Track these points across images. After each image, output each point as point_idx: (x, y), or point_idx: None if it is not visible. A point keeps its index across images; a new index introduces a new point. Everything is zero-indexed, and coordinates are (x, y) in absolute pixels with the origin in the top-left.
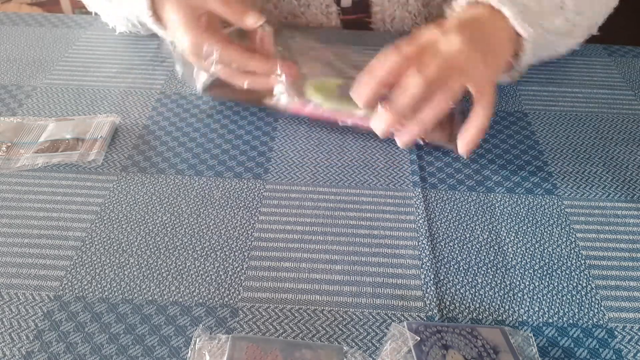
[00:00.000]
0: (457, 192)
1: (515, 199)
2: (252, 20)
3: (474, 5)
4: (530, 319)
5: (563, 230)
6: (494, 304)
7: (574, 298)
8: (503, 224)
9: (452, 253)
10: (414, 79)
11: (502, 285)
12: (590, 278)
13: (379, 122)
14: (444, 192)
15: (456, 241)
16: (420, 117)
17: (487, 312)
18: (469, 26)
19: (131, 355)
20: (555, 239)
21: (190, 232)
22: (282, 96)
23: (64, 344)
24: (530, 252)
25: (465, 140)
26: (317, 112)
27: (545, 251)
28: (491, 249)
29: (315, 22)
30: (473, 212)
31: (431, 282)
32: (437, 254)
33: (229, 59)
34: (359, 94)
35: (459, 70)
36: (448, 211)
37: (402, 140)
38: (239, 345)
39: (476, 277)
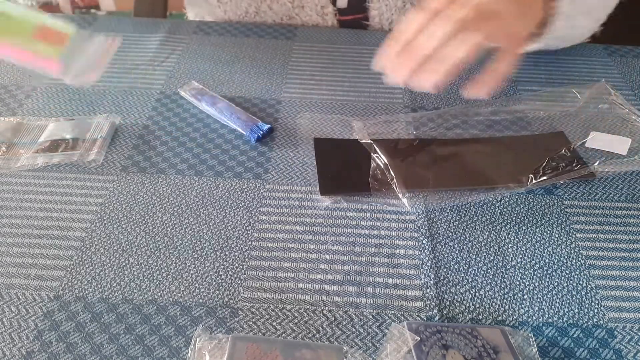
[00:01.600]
0: (457, 192)
1: (515, 199)
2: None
3: None
4: (530, 319)
5: (563, 230)
6: (494, 304)
7: (574, 298)
8: (503, 224)
9: (452, 253)
10: (440, 21)
11: (502, 285)
12: (590, 278)
13: (400, 69)
14: (444, 192)
15: (456, 241)
16: (445, 54)
17: (487, 312)
18: None
19: (131, 355)
20: (555, 239)
21: (190, 232)
22: None
23: (64, 344)
24: (530, 252)
25: (481, 82)
26: None
27: (545, 251)
28: (491, 249)
29: (310, 22)
30: (473, 212)
31: (431, 282)
32: (437, 254)
33: None
34: (384, 62)
35: (491, 15)
36: (448, 211)
37: (425, 83)
38: (239, 345)
39: (476, 277)
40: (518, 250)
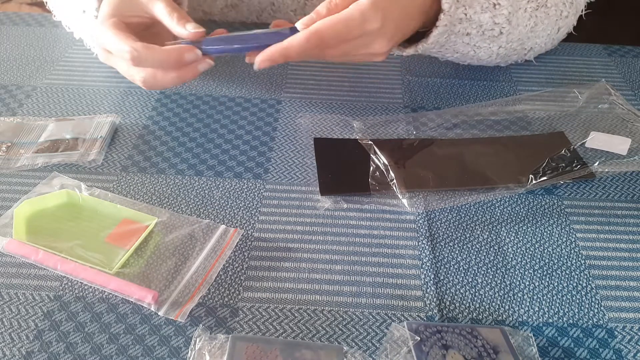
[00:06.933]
0: (457, 192)
1: (515, 199)
2: (191, 27)
3: None
4: (530, 319)
5: (563, 230)
6: (494, 304)
7: (574, 298)
8: (503, 224)
9: (452, 253)
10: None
11: (502, 285)
12: (590, 278)
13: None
14: (444, 192)
15: (456, 241)
16: None
17: (487, 312)
18: None
19: (131, 355)
20: (555, 239)
21: None
22: None
23: (64, 344)
24: (530, 252)
25: (267, 54)
26: None
27: (545, 251)
28: (491, 249)
29: None
30: (473, 212)
31: (431, 282)
32: (437, 254)
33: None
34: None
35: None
36: (448, 211)
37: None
38: (239, 345)
39: (476, 277)
40: (518, 250)
